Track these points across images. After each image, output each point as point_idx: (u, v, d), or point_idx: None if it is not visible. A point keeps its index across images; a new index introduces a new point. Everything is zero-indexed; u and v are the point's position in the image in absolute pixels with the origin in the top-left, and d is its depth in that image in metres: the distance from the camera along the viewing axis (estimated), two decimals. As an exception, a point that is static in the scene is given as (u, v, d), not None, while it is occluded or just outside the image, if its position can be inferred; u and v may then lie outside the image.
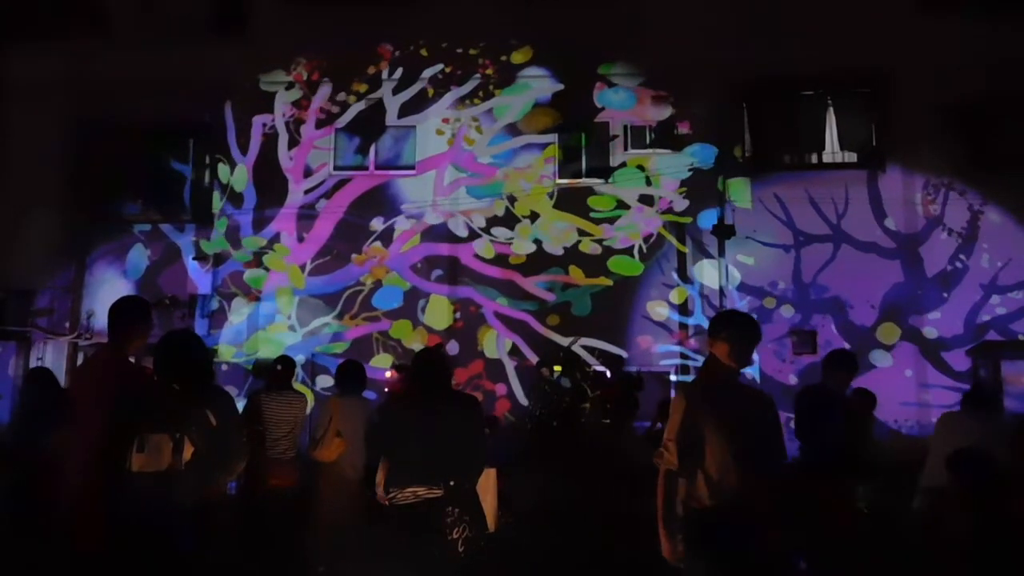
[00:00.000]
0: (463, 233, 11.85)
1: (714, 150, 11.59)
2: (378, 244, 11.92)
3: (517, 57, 12.14)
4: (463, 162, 12.06)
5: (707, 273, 11.53)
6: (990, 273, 11.13)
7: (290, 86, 12.37)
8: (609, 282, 11.47)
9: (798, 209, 11.50)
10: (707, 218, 11.54)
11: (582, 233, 11.66)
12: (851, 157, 11.62)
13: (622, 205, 11.70)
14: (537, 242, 11.68)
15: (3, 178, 12.08)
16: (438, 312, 11.74)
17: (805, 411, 5.22)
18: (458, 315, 11.71)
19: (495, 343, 11.59)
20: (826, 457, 4.93)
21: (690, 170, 11.60)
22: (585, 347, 11.37)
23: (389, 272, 11.84)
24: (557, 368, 10.13)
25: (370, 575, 3.94)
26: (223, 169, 12.25)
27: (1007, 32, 10.89)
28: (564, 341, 11.37)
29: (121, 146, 11.92)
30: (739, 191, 11.57)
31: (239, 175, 12.22)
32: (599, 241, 11.62)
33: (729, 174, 11.52)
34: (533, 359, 11.11)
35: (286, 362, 6.74)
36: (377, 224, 11.98)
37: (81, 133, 11.98)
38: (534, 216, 11.77)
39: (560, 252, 11.63)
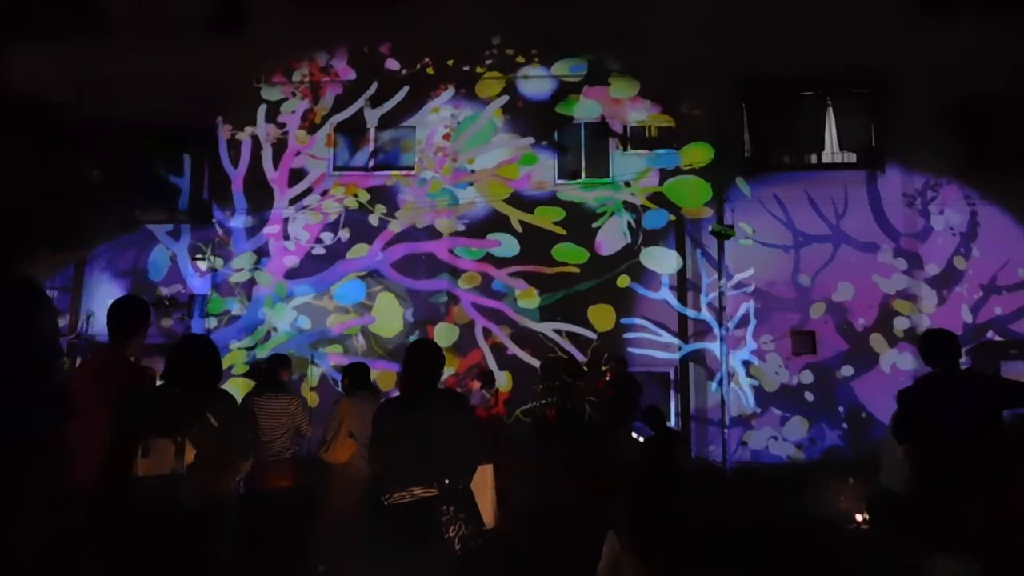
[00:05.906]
0: (439, 231, 11.88)
1: (677, 155, 11.67)
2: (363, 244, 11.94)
3: (483, 91, 12.11)
4: (441, 165, 12.08)
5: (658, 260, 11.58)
6: (989, 273, 11.12)
7: (291, 95, 12.38)
8: (576, 269, 11.50)
9: (797, 209, 11.51)
10: (654, 218, 11.57)
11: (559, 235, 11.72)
12: (850, 157, 11.61)
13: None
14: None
15: (2, 178, 12.07)
16: (387, 315, 11.67)
17: None
18: (447, 301, 11.72)
19: (452, 339, 11.56)
20: None
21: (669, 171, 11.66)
22: (557, 330, 11.45)
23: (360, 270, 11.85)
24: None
25: (368, 575, 3.93)
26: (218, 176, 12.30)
27: (1007, 32, 10.88)
28: (539, 328, 11.44)
29: (120, 146, 11.91)
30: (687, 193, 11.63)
31: (232, 182, 12.28)
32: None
33: (726, 175, 11.54)
34: (511, 347, 11.35)
35: (278, 362, 6.64)
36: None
37: (81, 133, 11.98)
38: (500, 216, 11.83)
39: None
